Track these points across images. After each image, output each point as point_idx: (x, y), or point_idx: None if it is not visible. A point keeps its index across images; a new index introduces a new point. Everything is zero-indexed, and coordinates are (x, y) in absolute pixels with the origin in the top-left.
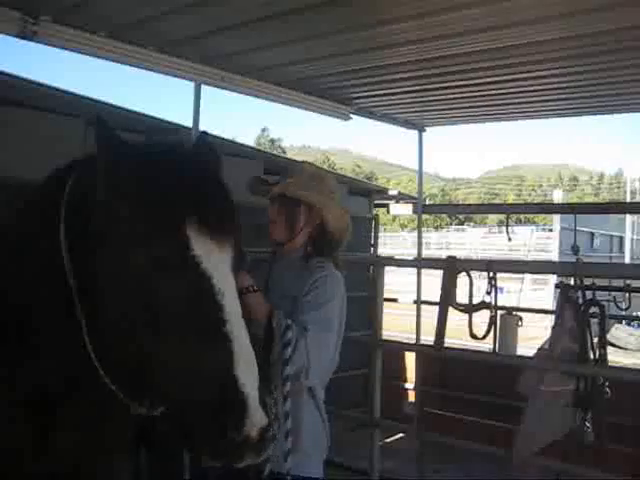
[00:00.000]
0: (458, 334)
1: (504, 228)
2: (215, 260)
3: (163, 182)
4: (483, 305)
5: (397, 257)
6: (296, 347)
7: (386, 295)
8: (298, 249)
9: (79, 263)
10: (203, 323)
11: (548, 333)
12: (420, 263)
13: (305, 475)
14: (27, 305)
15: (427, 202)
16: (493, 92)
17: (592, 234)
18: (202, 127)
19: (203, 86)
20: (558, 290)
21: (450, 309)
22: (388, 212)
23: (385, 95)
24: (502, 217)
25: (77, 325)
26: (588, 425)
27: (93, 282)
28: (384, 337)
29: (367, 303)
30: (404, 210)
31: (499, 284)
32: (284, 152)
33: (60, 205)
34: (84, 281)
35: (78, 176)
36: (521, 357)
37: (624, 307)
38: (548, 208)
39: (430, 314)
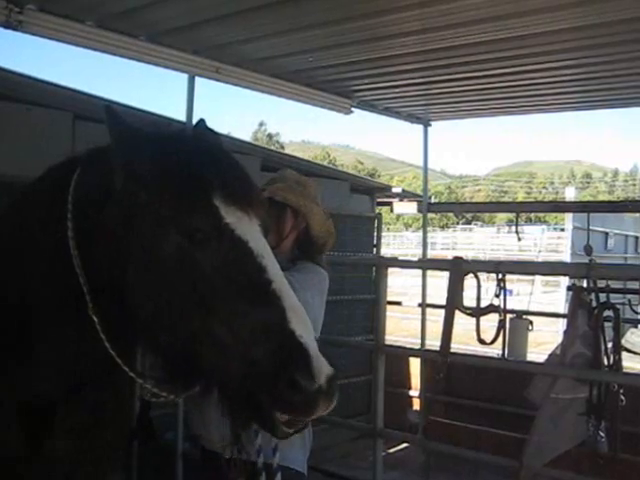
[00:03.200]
0: (465, 339)
1: (513, 227)
2: (246, 226)
3: (181, 162)
4: (491, 308)
5: (401, 258)
6: None
7: (389, 298)
8: (286, 253)
9: (90, 261)
10: (249, 287)
11: (560, 338)
12: (425, 264)
13: (285, 465)
14: (28, 307)
15: (433, 200)
16: (502, 84)
17: (606, 234)
18: (196, 121)
19: (197, 78)
20: (570, 293)
21: (457, 313)
22: (392, 211)
23: (388, 88)
24: (511, 216)
25: (86, 325)
26: (602, 434)
27: (114, 277)
28: (387, 342)
29: (369, 306)
30: (408, 209)
31: (508, 286)
32: (282, 148)
33: (66, 203)
34: (97, 279)
35: (83, 172)
36: (531, 363)
37: None
38: (560, 206)
39: (436, 318)
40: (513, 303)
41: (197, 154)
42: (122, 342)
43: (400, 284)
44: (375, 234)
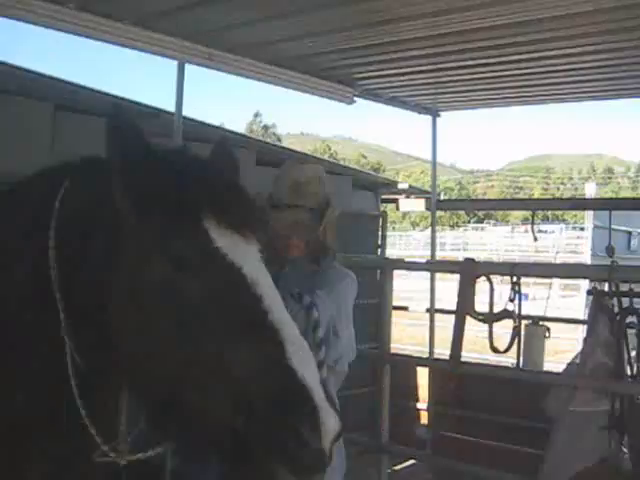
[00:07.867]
0: (477, 347)
1: (529, 226)
2: (242, 252)
3: (170, 183)
4: (505, 314)
5: (408, 259)
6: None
7: (395, 302)
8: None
9: (72, 286)
10: (242, 319)
11: (579, 346)
12: (434, 266)
13: None
14: (12, 327)
15: (442, 197)
16: (517, 72)
17: (629, 233)
18: (186, 111)
19: (187, 65)
20: (590, 297)
21: (468, 318)
22: (397, 208)
23: (394, 75)
24: (527, 214)
25: (62, 355)
26: (624, 450)
27: (96, 309)
28: (393, 350)
29: (374, 312)
30: (416, 206)
31: (524, 290)
32: (279, 140)
33: (49, 218)
34: (78, 308)
35: (71, 189)
36: (548, 373)
37: None
38: (579, 204)
39: (445, 324)
40: (529, 308)
41: (189, 174)
42: (93, 390)
43: (407, 287)
44: (380, 234)
